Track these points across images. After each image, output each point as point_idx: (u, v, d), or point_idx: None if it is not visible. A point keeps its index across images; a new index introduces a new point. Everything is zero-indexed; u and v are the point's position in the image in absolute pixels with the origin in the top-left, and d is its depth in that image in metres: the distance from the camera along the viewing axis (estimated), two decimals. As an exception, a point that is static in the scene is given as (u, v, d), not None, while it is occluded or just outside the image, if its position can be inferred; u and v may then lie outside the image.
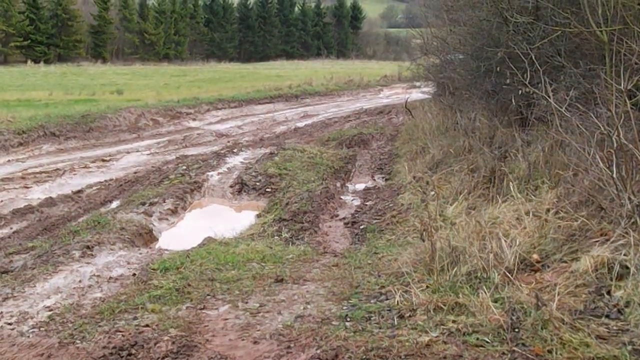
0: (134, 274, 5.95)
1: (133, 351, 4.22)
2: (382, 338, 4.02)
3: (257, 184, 10.28)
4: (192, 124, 21.63)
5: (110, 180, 11.74)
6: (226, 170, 11.44)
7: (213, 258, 6.16)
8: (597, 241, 4.73)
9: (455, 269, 4.81)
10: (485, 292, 4.33)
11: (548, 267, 4.75)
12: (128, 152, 15.43)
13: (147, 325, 4.58)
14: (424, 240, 5.29)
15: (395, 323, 4.24)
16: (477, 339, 3.87)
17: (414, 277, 4.91)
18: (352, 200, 9.54)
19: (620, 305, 4.01)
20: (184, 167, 11.60)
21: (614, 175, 4.93)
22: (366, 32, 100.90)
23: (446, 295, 4.44)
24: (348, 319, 4.42)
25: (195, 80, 41.95)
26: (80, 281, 5.82)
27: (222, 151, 14.04)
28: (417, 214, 6.89)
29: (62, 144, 16.57)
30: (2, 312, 5.10)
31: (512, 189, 6.28)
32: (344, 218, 8.34)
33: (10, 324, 4.88)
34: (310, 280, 5.48)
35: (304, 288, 5.25)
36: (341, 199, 9.57)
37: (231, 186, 10.34)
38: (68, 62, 65.21)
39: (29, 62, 60.66)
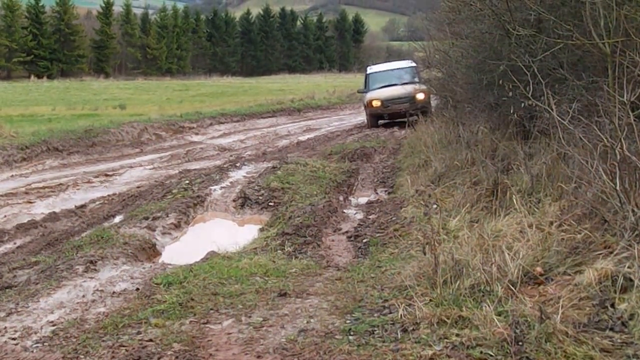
0: (138, 289, 5.94)
1: (137, 366, 4.23)
2: (385, 352, 4.01)
3: (260, 198, 10.27)
4: (195, 138, 21.70)
5: (114, 194, 11.76)
6: (229, 184, 11.45)
7: (216, 272, 6.15)
8: (600, 254, 4.73)
9: (458, 282, 4.80)
10: (488, 306, 4.33)
11: (551, 280, 4.74)
12: (131, 167, 15.46)
13: (150, 340, 4.58)
14: (425, 254, 5.29)
15: (399, 337, 4.24)
16: (481, 352, 3.86)
17: (417, 290, 4.90)
18: (355, 213, 9.54)
19: (625, 318, 4.00)
20: (187, 182, 11.61)
21: (617, 188, 4.93)
22: (368, 46, 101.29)
23: (449, 309, 4.43)
24: (351, 333, 4.41)
25: (198, 95, 42.14)
26: (83, 296, 5.82)
27: (225, 165, 14.05)
28: (420, 227, 6.87)
29: (65, 159, 16.63)
30: (5, 327, 5.09)
31: (514, 201, 6.28)
32: (347, 232, 8.33)
33: (14, 339, 4.87)
34: (313, 294, 5.48)
35: (307, 302, 5.25)
36: (344, 212, 9.57)
37: (234, 200, 10.34)
38: (71, 77, 65.63)
39: (32, 77, 61.07)
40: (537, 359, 3.72)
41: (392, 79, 22.85)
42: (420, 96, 21.01)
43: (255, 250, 7.24)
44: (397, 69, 23.80)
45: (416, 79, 21.67)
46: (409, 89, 21.54)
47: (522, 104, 6.79)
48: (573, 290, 4.41)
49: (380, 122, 23.11)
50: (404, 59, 27.86)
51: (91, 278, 6.35)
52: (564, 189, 6.09)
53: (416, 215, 7.82)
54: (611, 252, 4.64)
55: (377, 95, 22.38)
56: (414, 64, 22.81)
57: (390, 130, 21.15)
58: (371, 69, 24.91)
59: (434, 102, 19.89)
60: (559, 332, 3.87)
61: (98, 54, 74.59)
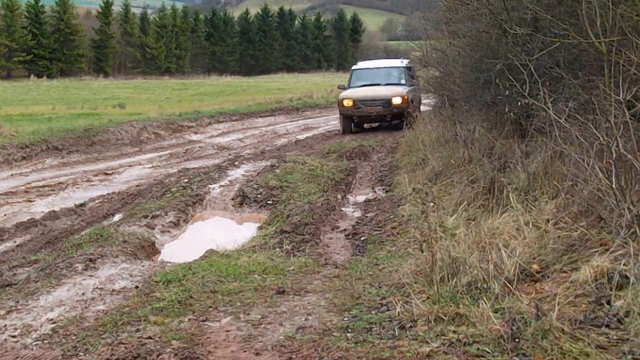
0: (137, 287, 5.98)
1: (136, 363, 4.26)
2: (383, 349, 4.04)
3: (259, 196, 10.30)
4: (194, 137, 21.70)
5: (113, 193, 11.78)
6: (228, 182, 11.47)
7: (215, 270, 6.18)
8: (596, 251, 4.75)
9: (455, 280, 4.83)
10: (485, 303, 4.36)
11: (548, 277, 4.77)
12: (130, 166, 15.48)
13: (149, 338, 4.61)
14: (422, 252, 5.32)
15: (396, 334, 4.27)
16: (478, 349, 3.89)
17: (415, 287, 4.93)
18: (353, 211, 9.56)
19: (620, 315, 4.02)
20: (186, 180, 11.64)
21: (613, 186, 4.96)
22: (366, 45, 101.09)
23: (447, 306, 4.47)
24: (349, 330, 4.44)
25: (197, 94, 42.06)
26: (83, 294, 5.85)
27: (224, 164, 14.07)
28: (418, 225, 6.90)
29: (65, 158, 16.63)
30: (5, 325, 5.12)
31: (511, 199, 6.31)
32: (344, 230, 8.36)
33: (14, 336, 4.90)
34: (311, 291, 5.50)
35: (306, 299, 5.28)
36: (342, 210, 9.59)
37: (233, 199, 10.37)
38: (70, 76, 65.47)
39: (31, 76, 60.96)
40: (534, 356, 3.75)
41: (377, 78, 21.05)
42: (397, 100, 19.27)
43: (254, 248, 7.27)
44: (385, 67, 22.03)
45: (403, 81, 20.66)
46: (386, 91, 19.84)
47: (519, 103, 6.80)
48: (569, 288, 4.44)
49: (366, 125, 21.21)
50: (397, 57, 26.74)
51: (91, 276, 6.38)
52: (561, 186, 6.12)
53: (414, 213, 7.85)
54: (607, 250, 4.67)
55: (351, 94, 19.97)
56: (404, 64, 21.49)
57: (388, 130, 21.02)
58: (356, 66, 22.95)
59: (433, 101, 19.21)
60: (555, 329, 3.90)
61: (97, 53, 74.45)
